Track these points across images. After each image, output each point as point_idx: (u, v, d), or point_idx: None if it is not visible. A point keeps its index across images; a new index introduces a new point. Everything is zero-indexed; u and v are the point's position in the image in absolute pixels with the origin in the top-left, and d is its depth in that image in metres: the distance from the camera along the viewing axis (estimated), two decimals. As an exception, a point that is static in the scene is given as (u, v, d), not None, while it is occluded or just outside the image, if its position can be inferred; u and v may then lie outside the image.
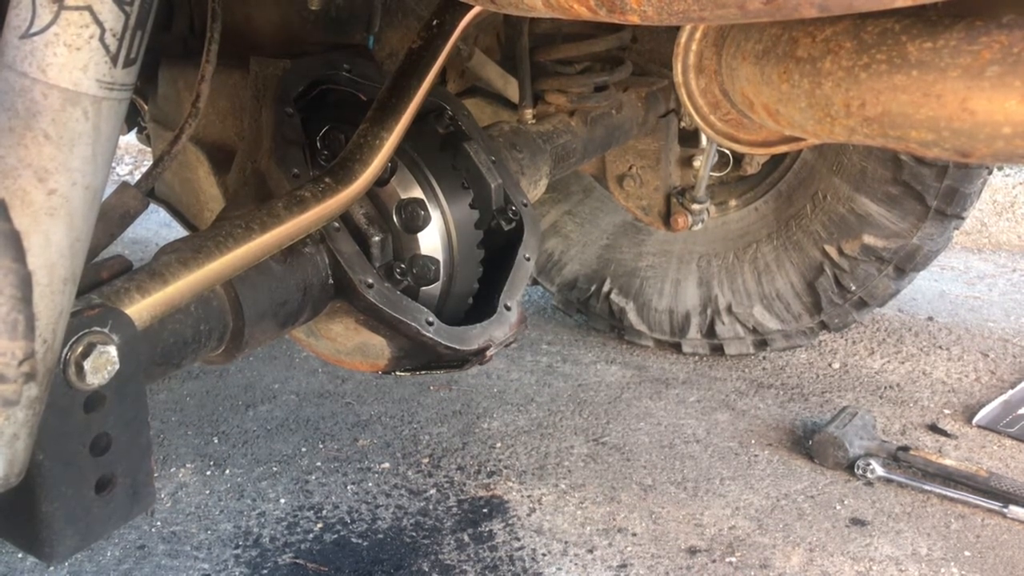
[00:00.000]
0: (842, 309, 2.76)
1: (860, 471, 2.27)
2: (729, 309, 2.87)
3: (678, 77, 1.00)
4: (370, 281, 1.26)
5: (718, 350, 2.96)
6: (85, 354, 0.79)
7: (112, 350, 0.81)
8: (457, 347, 1.33)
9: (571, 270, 3.10)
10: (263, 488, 2.25)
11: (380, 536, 2.07)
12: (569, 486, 2.27)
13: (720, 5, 0.63)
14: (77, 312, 0.80)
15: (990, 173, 2.63)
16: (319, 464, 2.36)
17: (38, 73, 0.69)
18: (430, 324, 1.30)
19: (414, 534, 2.08)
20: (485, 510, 2.17)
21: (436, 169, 1.40)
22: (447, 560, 1.99)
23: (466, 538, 2.07)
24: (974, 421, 2.56)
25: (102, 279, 0.91)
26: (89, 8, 0.69)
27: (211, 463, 2.36)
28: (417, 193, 1.37)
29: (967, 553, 2.01)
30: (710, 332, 2.92)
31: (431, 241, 1.38)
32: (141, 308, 0.90)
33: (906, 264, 2.65)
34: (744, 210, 2.83)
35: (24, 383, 0.70)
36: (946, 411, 2.65)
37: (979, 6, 0.69)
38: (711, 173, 2.40)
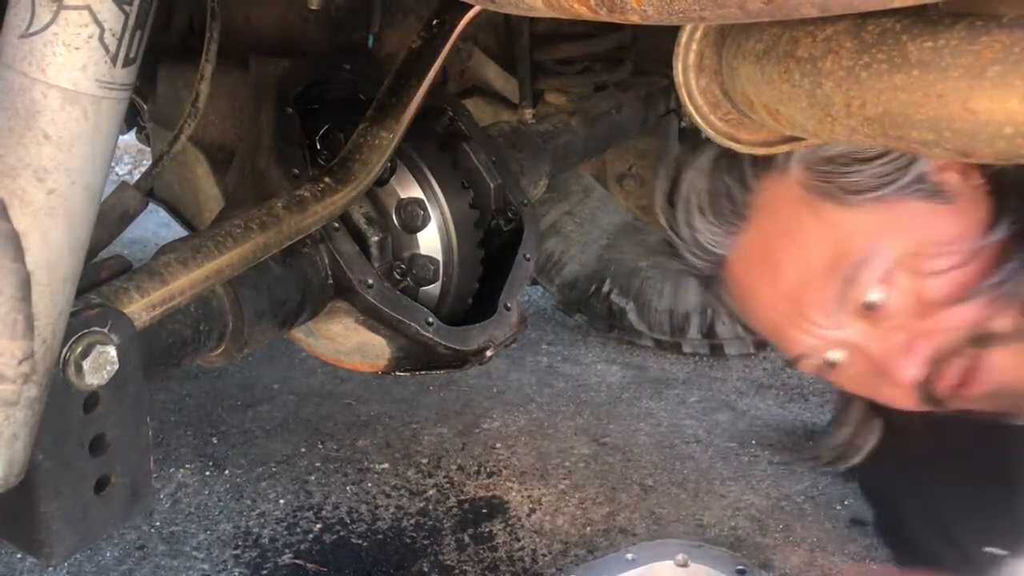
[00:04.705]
0: (842, 309, 2.76)
1: (860, 471, 2.27)
2: (729, 309, 2.87)
3: (678, 77, 0.99)
4: (370, 281, 1.26)
5: (718, 350, 2.95)
6: (84, 354, 0.79)
7: (111, 350, 0.81)
8: (457, 347, 1.33)
9: (571, 270, 3.09)
10: (262, 488, 2.25)
11: (380, 536, 2.07)
12: (569, 486, 2.27)
13: (720, 5, 0.63)
14: (76, 312, 0.79)
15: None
16: (319, 464, 2.35)
17: (37, 73, 0.68)
18: (430, 324, 1.29)
19: (414, 534, 2.07)
20: (485, 510, 2.17)
21: (436, 169, 1.40)
22: (447, 560, 1.98)
23: (466, 538, 2.06)
24: (974, 421, 2.56)
25: (101, 279, 0.91)
26: (88, 8, 0.68)
27: (210, 463, 2.35)
28: (417, 193, 1.37)
29: (967, 553, 2.01)
30: (710, 332, 2.92)
31: (430, 241, 1.37)
32: (140, 308, 0.90)
33: (906, 264, 2.65)
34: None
35: (23, 383, 0.69)
36: (946, 411, 2.65)
37: (980, 5, 0.69)
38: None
